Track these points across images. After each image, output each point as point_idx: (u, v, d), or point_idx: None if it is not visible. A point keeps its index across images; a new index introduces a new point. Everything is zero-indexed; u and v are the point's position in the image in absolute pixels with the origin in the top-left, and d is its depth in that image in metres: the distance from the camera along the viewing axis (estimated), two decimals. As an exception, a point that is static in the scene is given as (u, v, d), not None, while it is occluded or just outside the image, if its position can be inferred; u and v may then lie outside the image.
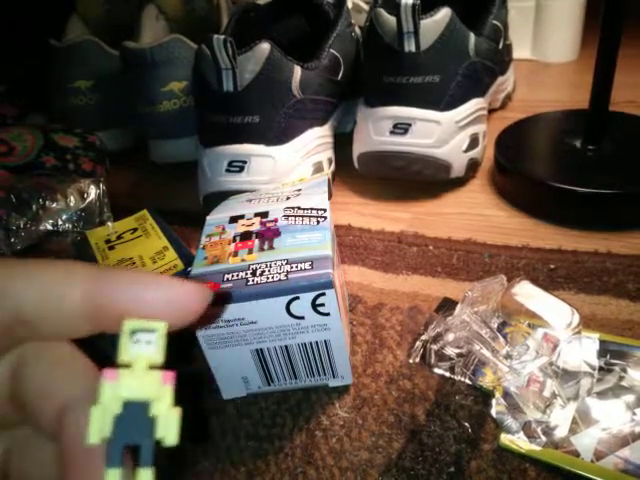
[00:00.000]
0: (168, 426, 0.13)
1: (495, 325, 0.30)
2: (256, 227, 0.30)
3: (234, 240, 0.29)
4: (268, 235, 0.29)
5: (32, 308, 0.14)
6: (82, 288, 0.15)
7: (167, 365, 0.14)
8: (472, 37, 0.45)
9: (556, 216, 0.41)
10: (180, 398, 0.14)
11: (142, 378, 0.13)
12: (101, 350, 0.17)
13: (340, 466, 0.26)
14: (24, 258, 0.15)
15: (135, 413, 0.13)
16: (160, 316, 0.15)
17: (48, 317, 0.15)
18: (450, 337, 0.30)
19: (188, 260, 0.37)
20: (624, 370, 0.28)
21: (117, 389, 0.13)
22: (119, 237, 0.42)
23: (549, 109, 0.53)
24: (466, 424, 0.27)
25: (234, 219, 0.32)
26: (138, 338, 0.14)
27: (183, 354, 0.31)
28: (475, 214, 0.45)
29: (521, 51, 0.73)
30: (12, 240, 0.44)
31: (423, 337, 0.31)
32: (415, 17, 0.41)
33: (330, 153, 0.50)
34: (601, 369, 0.28)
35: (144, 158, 0.58)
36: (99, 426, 0.13)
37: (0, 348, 0.15)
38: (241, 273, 0.27)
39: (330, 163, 0.50)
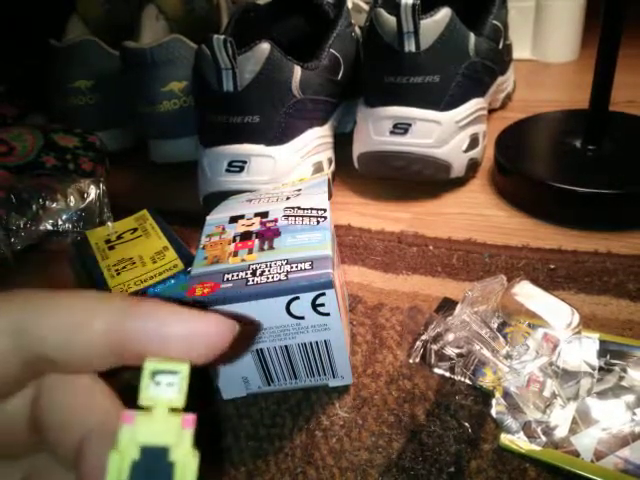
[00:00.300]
0: (186, 473, 0.13)
1: (495, 325, 0.30)
2: (256, 227, 0.30)
3: (234, 240, 0.29)
4: (268, 235, 0.29)
5: (56, 347, 0.14)
6: (104, 323, 0.14)
7: (187, 406, 0.14)
8: (472, 37, 0.45)
9: (556, 216, 0.41)
10: (198, 439, 0.13)
11: (161, 422, 0.13)
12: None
13: (340, 466, 0.26)
14: (36, 291, 0.15)
15: (153, 459, 0.13)
16: (183, 353, 0.14)
17: (72, 354, 0.15)
18: (450, 337, 0.30)
19: (188, 260, 0.37)
20: (624, 370, 0.28)
21: (135, 434, 0.13)
22: (119, 237, 0.42)
23: (549, 109, 0.53)
24: (466, 424, 0.27)
25: (234, 219, 0.32)
26: (159, 380, 0.14)
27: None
28: (475, 214, 0.45)
29: (521, 51, 0.72)
30: (12, 240, 0.44)
31: (423, 337, 0.31)
32: (415, 17, 0.41)
33: (330, 153, 0.50)
34: (601, 369, 0.28)
35: (144, 158, 0.58)
36: (117, 472, 0.13)
37: (22, 381, 0.15)
38: (241, 273, 0.27)
39: (330, 163, 0.50)
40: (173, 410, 0.14)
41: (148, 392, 0.14)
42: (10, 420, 0.16)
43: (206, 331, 0.15)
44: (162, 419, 0.13)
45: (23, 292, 0.15)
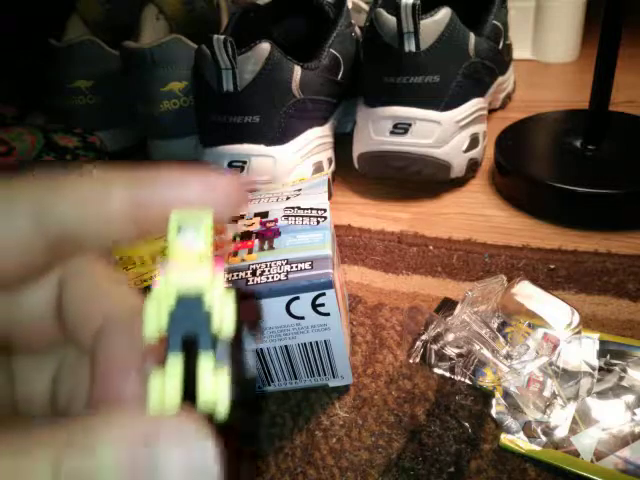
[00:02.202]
0: (223, 315, 0.13)
1: (495, 325, 0.30)
2: (256, 227, 0.30)
3: (234, 240, 0.29)
4: (268, 235, 0.29)
5: (77, 222, 0.14)
6: (123, 193, 0.14)
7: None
8: (472, 37, 0.45)
9: (556, 216, 0.41)
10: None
11: (193, 270, 0.13)
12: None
13: (340, 466, 0.26)
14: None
15: (189, 305, 0.13)
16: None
17: (93, 228, 0.14)
18: (450, 337, 0.30)
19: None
20: (624, 370, 0.28)
21: (169, 283, 0.13)
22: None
23: (549, 109, 0.53)
24: (466, 424, 0.27)
25: (234, 219, 0.32)
26: (185, 230, 0.14)
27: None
28: (475, 214, 0.45)
29: (521, 51, 0.72)
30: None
31: (423, 337, 0.31)
32: (415, 17, 0.41)
33: (330, 153, 0.50)
34: (601, 369, 0.28)
35: (144, 158, 0.58)
36: (155, 321, 0.13)
37: (46, 266, 0.15)
38: (241, 273, 0.27)
39: (330, 163, 0.50)
40: (202, 259, 0.14)
41: (176, 243, 0.14)
42: (37, 313, 0.16)
43: (223, 189, 0.15)
44: (193, 267, 0.13)
45: (37, 177, 0.15)
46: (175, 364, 0.12)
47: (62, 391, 0.17)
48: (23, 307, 0.16)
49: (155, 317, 0.13)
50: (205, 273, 0.13)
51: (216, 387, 0.12)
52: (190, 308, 0.13)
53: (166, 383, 0.12)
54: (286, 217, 0.30)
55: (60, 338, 0.16)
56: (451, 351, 0.30)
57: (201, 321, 0.13)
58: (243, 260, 0.28)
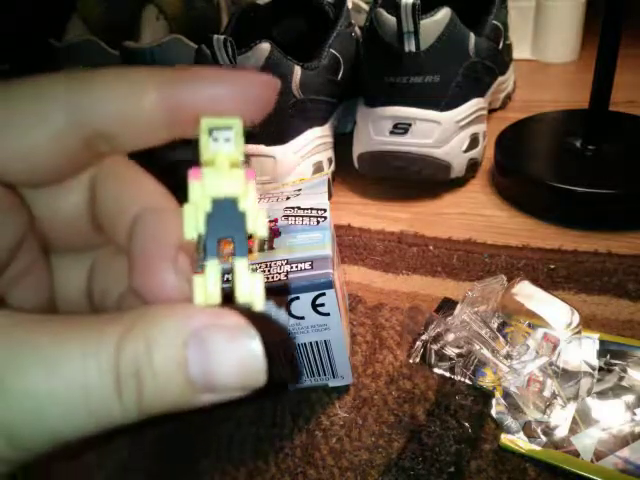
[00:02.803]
0: (257, 219, 0.14)
1: (495, 325, 0.31)
2: (256, 227, 0.30)
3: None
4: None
5: (111, 119, 0.14)
6: (156, 93, 0.14)
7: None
8: (472, 37, 0.45)
9: (556, 216, 0.41)
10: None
11: (226, 175, 0.14)
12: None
13: (340, 466, 0.26)
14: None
15: (225, 209, 0.14)
16: (237, 110, 0.15)
17: (127, 126, 0.15)
18: (450, 337, 0.30)
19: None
20: (624, 370, 0.28)
21: (204, 187, 0.14)
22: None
23: (549, 109, 0.53)
24: (466, 424, 0.27)
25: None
26: (217, 136, 0.14)
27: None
28: (475, 214, 0.45)
29: (521, 51, 0.72)
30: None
31: (423, 337, 0.31)
32: (415, 17, 0.41)
33: (330, 153, 0.50)
34: (601, 369, 0.28)
35: (144, 158, 0.58)
36: (193, 223, 0.13)
37: (80, 165, 0.16)
38: (241, 273, 0.27)
39: (330, 163, 0.50)
40: (234, 165, 0.14)
41: (209, 148, 0.14)
42: (72, 213, 0.17)
43: (254, 85, 0.15)
44: (226, 172, 0.14)
45: (69, 72, 0.15)
46: (213, 265, 0.13)
47: (97, 288, 0.18)
48: (59, 207, 0.16)
49: (193, 219, 0.13)
50: (238, 179, 0.14)
51: (252, 288, 0.13)
52: (226, 212, 0.14)
53: (207, 283, 0.13)
54: (286, 217, 0.30)
55: (95, 237, 0.17)
56: (451, 351, 0.30)
57: (237, 224, 0.14)
58: (243, 260, 0.28)
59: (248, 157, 0.43)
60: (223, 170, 0.14)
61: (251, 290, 0.13)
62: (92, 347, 0.12)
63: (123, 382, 0.12)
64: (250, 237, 0.14)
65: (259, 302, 0.13)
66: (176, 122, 0.15)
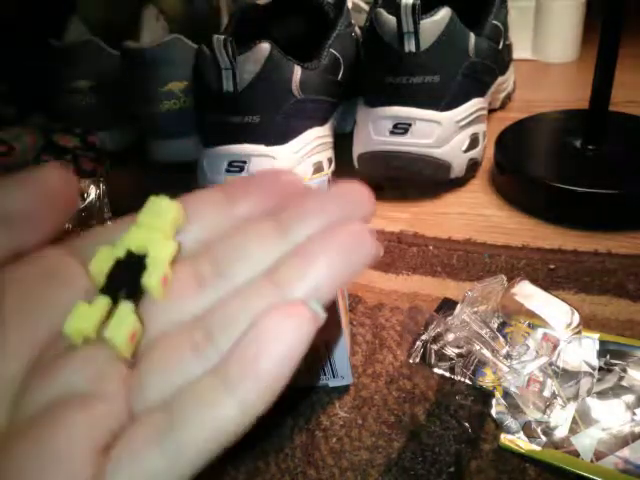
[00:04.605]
0: (152, 274, 0.15)
1: (495, 325, 0.31)
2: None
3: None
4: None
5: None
6: None
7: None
8: (472, 37, 0.45)
9: (556, 216, 0.41)
10: None
11: (147, 237, 0.16)
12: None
13: (340, 466, 0.26)
14: None
15: (132, 261, 0.16)
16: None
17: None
18: (450, 337, 0.30)
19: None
20: (624, 370, 0.28)
21: (123, 242, 0.16)
22: (119, 237, 0.42)
23: (549, 109, 0.53)
24: (466, 424, 0.27)
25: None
26: (152, 209, 0.17)
27: None
28: (475, 214, 0.45)
29: (521, 51, 0.72)
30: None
31: (423, 337, 0.31)
32: (415, 17, 0.41)
33: (330, 153, 0.50)
34: (601, 369, 0.28)
35: (144, 158, 0.58)
36: (100, 269, 0.16)
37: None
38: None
39: (330, 163, 0.50)
40: (159, 232, 0.16)
41: (142, 218, 0.16)
42: None
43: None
44: (148, 235, 0.16)
45: None
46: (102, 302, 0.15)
47: None
48: None
49: (101, 266, 0.16)
50: (155, 241, 0.16)
51: (119, 330, 0.14)
52: (131, 264, 0.16)
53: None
54: (286, 217, 0.30)
55: None
56: (451, 351, 0.30)
57: (135, 275, 0.15)
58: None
59: (248, 157, 0.43)
60: (145, 233, 0.16)
61: (117, 332, 0.14)
62: None
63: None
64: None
65: (119, 343, 0.14)
66: None
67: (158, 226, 0.16)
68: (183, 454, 0.13)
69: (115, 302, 0.15)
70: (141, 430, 0.13)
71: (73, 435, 0.13)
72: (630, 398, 0.26)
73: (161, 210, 0.16)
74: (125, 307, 0.15)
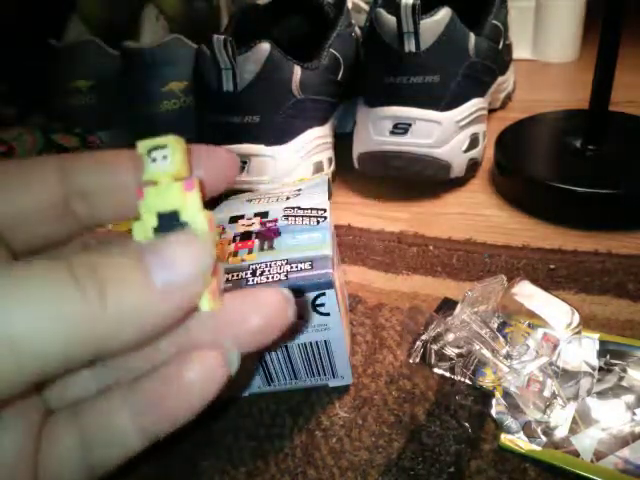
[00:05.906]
0: (197, 227, 0.15)
1: (495, 325, 0.31)
2: (256, 227, 0.30)
3: (234, 240, 0.29)
4: (268, 235, 0.29)
5: (92, 184, 0.18)
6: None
7: None
8: (472, 37, 0.45)
9: (556, 216, 0.41)
10: None
11: (164, 192, 0.15)
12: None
13: (340, 466, 0.26)
14: None
15: (169, 222, 0.15)
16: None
17: (106, 192, 0.18)
18: (450, 337, 0.30)
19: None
20: (624, 370, 0.28)
21: (147, 205, 0.15)
22: (119, 237, 0.42)
23: (549, 109, 0.53)
24: (466, 424, 0.27)
25: (234, 219, 0.32)
26: (155, 156, 0.16)
27: None
28: (475, 214, 0.45)
29: (521, 51, 0.72)
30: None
31: (423, 337, 0.31)
32: (415, 17, 0.41)
33: (330, 153, 0.50)
34: (601, 369, 0.28)
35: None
36: (142, 237, 0.15)
37: (65, 227, 0.18)
38: (241, 273, 0.27)
39: (330, 163, 0.50)
40: (177, 178, 0.16)
41: (147, 169, 0.16)
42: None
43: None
44: (164, 188, 0.15)
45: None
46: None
47: None
48: None
49: (142, 234, 0.15)
50: (177, 193, 0.15)
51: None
52: (170, 224, 0.15)
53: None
54: (286, 217, 0.30)
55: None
56: (451, 351, 0.30)
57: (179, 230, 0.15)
58: (243, 260, 0.28)
59: (247, 157, 0.43)
60: (161, 187, 0.15)
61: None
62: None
63: (81, 279, 0.13)
64: None
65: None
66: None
67: (168, 172, 0.16)
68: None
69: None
70: None
71: None
72: (630, 398, 0.26)
73: (162, 152, 0.16)
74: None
